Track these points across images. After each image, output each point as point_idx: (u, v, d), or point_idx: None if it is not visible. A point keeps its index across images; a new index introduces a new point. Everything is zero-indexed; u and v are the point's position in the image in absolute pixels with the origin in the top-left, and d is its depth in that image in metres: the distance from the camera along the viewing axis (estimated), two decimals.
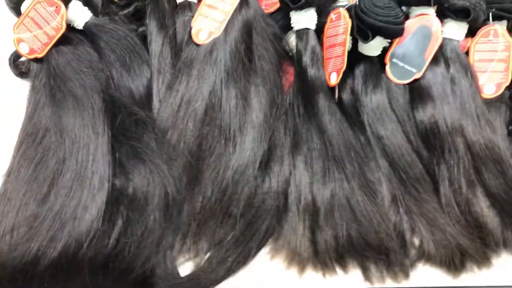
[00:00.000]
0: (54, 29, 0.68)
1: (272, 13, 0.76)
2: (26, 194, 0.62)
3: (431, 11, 0.71)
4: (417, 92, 0.70)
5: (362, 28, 0.67)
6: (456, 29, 0.72)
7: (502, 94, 0.72)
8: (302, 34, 0.71)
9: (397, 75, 0.71)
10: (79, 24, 0.70)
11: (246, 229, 0.65)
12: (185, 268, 0.64)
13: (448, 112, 0.68)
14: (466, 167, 0.67)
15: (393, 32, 0.67)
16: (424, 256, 0.65)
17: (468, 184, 0.66)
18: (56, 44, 0.68)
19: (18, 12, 0.70)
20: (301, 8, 0.70)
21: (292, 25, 0.72)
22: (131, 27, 0.73)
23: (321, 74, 0.69)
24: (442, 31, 0.71)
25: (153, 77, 0.70)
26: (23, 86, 0.73)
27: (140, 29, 0.73)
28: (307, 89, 0.69)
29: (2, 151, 0.67)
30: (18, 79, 0.75)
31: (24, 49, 0.69)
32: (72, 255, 0.58)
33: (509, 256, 0.66)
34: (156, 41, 0.71)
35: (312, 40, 0.71)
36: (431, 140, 0.68)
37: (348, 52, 0.69)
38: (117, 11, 0.74)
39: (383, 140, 0.68)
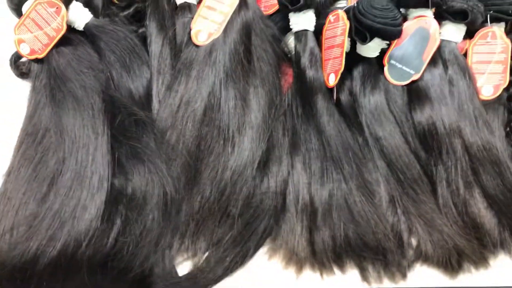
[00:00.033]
0: (55, 30, 0.68)
1: (271, 15, 0.76)
2: (26, 194, 0.62)
3: (429, 13, 0.71)
4: (415, 94, 0.70)
5: (360, 30, 0.67)
6: (454, 31, 0.72)
7: (500, 95, 0.72)
8: (300, 35, 0.72)
9: (395, 76, 0.71)
10: (80, 25, 0.71)
11: (244, 229, 0.65)
12: (183, 267, 0.65)
13: (446, 113, 0.68)
14: (464, 168, 0.67)
15: (390, 34, 0.68)
16: (422, 256, 0.66)
17: (465, 185, 0.67)
18: (57, 45, 0.68)
19: (19, 13, 0.70)
20: (299, 9, 0.71)
21: (291, 27, 0.73)
22: (131, 28, 0.73)
23: (319, 75, 0.70)
24: (440, 33, 0.72)
25: (152, 77, 0.70)
26: (23, 86, 0.74)
27: (140, 30, 0.74)
28: (306, 90, 0.70)
29: (2, 151, 0.68)
30: (18, 79, 0.75)
31: (25, 50, 0.69)
32: (71, 254, 0.58)
33: (506, 257, 0.67)
34: (156, 42, 0.72)
35: (311, 41, 0.71)
36: (429, 141, 0.68)
37: (347, 53, 0.70)
38: (118, 12, 0.74)
39: (381, 141, 0.68)
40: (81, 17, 0.70)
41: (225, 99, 0.67)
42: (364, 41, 0.67)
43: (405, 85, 0.71)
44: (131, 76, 0.70)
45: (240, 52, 0.69)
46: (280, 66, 0.72)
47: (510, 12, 0.71)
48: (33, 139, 0.66)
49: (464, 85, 0.70)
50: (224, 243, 0.64)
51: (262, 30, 0.71)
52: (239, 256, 0.65)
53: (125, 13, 0.74)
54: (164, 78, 0.70)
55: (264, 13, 0.75)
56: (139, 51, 0.71)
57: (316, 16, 0.72)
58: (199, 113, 0.67)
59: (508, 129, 0.72)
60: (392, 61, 0.71)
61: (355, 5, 0.68)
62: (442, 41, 0.72)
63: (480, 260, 0.66)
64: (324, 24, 0.71)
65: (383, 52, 0.71)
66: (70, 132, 0.64)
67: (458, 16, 0.71)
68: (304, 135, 0.69)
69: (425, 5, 0.70)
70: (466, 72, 0.71)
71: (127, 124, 0.66)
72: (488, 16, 0.72)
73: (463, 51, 0.74)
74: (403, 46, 0.71)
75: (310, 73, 0.70)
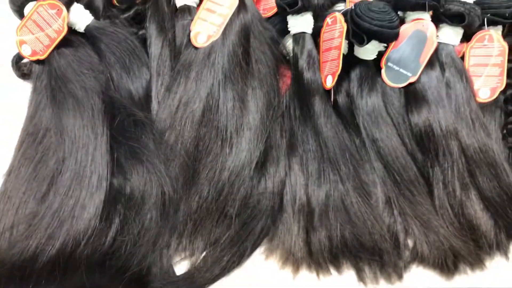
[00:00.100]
0: (56, 31, 0.69)
1: (269, 18, 0.77)
2: (26, 193, 0.63)
3: (426, 16, 0.72)
4: (412, 96, 0.70)
5: (358, 32, 0.68)
6: (451, 34, 0.72)
7: (497, 98, 0.73)
8: (298, 38, 0.72)
9: (392, 78, 0.71)
10: (81, 27, 0.71)
11: (242, 229, 0.65)
12: (181, 266, 0.65)
13: (443, 115, 0.68)
14: (460, 170, 0.67)
15: (387, 36, 0.68)
16: (418, 257, 0.66)
17: (462, 186, 0.67)
18: (58, 46, 0.69)
19: (21, 15, 0.71)
20: (297, 12, 0.71)
21: (289, 29, 0.73)
22: (131, 30, 0.74)
23: (317, 77, 0.70)
24: (437, 36, 0.72)
25: (152, 79, 0.71)
26: (23, 87, 0.74)
27: (140, 32, 0.75)
28: (303, 92, 0.70)
29: (2, 151, 0.68)
30: (18, 80, 0.75)
31: (26, 51, 0.70)
32: (70, 253, 0.59)
33: (502, 259, 0.67)
34: (156, 44, 0.72)
35: (309, 44, 0.72)
36: (426, 143, 0.68)
37: (345, 56, 0.70)
38: (118, 14, 0.75)
39: (378, 143, 0.69)
40: (82, 19, 0.71)
41: (223, 101, 0.68)
42: (362, 43, 0.68)
43: (402, 87, 0.71)
44: (131, 77, 0.70)
45: (238, 54, 0.69)
46: (278, 68, 0.73)
47: (506, 15, 0.71)
48: (33, 139, 0.67)
49: (461, 88, 0.71)
50: (222, 243, 0.65)
51: (261, 32, 0.72)
52: (236, 256, 0.65)
53: (126, 15, 0.75)
54: (164, 79, 0.71)
55: (263, 15, 0.75)
56: (139, 53, 0.72)
57: (314, 18, 0.73)
58: (197, 114, 0.67)
59: (504, 131, 0.72)
60: (390, 64, 0.72)
61: (353, 7, 0.68)
62: (439, 43, 0.72)
63: (476, 262, 0.66)
64: (322, 26, 0.72)
65: (380, 54, 0.72)
66: (70, 132, 0.64)
67: (455, 19, 0.71)
68: (301, 136, 0.70)
69: (423, 8, 0.70)
70: (463, 75, 0.71)
71: (126, 125, 0.66)
72: (485, 19, 0.72)
73: (460, 54, 0.74)
74: (401, 48, 0.71)
75: (307, 75, 0.70)
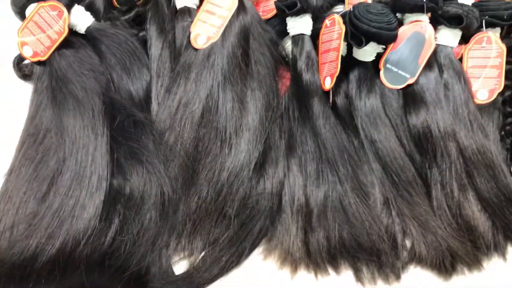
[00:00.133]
0: (57, 33, 0.69)
1: (269, 19, 0.77)
2: (27, 193, 0.63)
3: (424, 18, 0.72)
4: (410, 97, 0.71)
5: (356, 34, 0.68)
6: (449, 36, 0.73)
7: (495, 100, 0.73)
8: (297, 39, 0.73)
9: (390, 80, 0.72)
10: (81, 29, 0.72)
11: (240, 229, 0.66)
12: (180, 266, 0.65)
13: (441, 117, 0.69)
14: (458, 171, 0.67)
15: (386, 38, 0.69)
16: (415, 258, 0.66)
17: (459, 187, 0.67)
18: (59, 48, 0.70)
19: (22, 16, 0.71)
20: (296, 14, 0.72)
21: (288, 31, 0.74)
22: (131, 31, 0.75)
23: (316, 79, 0.71)
24: (436, 38, 0.72)
25: (152, 80, 0.72)
26: (24, 87, 0.75)
27: (141, 34, 0.75)
28: (302, 93, 0.71)
29: (3, 151, 0.69)
30: (19, 80, 0.76)
31: (27, 52, 0.70)
32: (70, 252, 0.59)
33: (499, 259, 0.67)
34: (156, 46, 0.73)
35: (308, 45, 0.72)
36: (424, 144, 0.69)
37: (343, 57, 0.71)
38: (119, 16, 0.75)
39: (376, 144, 0.69)
40: (82, 20, 0.72)
41: (222, 102, 0.68)
42: (360, 45, 0.68)
43: (400, 88, 0.72)
44: (131, 79, 0.71)
45: (238, 55, 0.70)
46: (278, 69, 0.73)
47: (505, 17, 0.72)
48: (34, 139, 0.67)
49: (459, 89, 0.71)
50: (220, 243, 0.65)
51: (260, 34, 0.72)
52: (235, 256, 0.65)
53: (126, 17, 0.76)
54: (163, 80, 0.72)
55: (262, 17, 0.76)
56: (139, 54, 0.72)
57: (313, 20, 0.73)
58: (197, 115, 0.68)
59: (502, 132, 0.72)
60: (388, 65, 0.72)
61: (351, 9, 0.69)
62: (437, 45, 0.73)
63: (474, 263, 0.66)
64: (320, 28, 0.72)
65: (379, 56, 0.72)
66: (70, 133, 0.65)
67: (454, 21, 0.71)
68: (300, 137, 0.70)
69: (421, 10, 0.71)
70: (462, 77, 0.72)
71: (126, 125, 0.67)
72: (483, 21, 0.72)
73: (459, 56, 0.74)
74: (399, 50, 0.72)
75: (306, 76, 0.71)
